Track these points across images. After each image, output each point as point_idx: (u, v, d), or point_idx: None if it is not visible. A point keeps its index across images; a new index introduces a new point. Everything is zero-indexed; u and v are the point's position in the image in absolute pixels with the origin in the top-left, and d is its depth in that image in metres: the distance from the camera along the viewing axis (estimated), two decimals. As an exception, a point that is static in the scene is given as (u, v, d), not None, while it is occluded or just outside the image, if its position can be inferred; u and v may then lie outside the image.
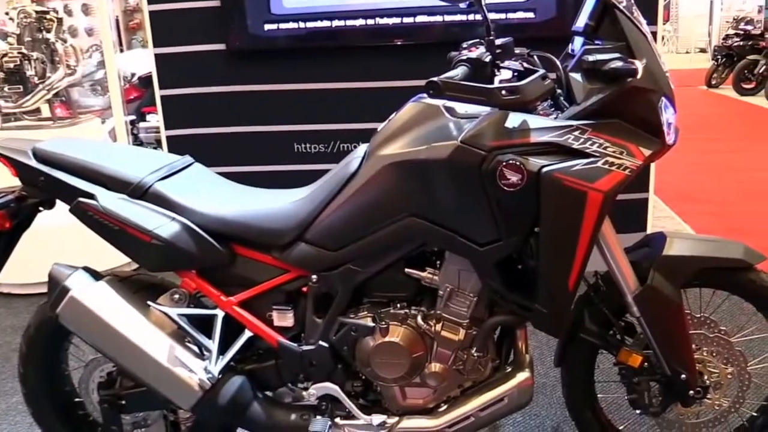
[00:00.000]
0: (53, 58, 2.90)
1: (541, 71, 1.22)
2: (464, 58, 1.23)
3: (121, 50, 5.42)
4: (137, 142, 4.37)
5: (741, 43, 8.76)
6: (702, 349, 1.48)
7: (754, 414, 1.57)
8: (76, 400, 1.64)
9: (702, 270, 1.40)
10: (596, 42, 1.29)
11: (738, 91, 8.56)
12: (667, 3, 15.31)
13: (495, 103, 1.16)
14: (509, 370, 1.42)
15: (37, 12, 2.92)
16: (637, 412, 1.50)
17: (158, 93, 2.72)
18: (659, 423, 1.55)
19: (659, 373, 1.44)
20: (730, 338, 1.49)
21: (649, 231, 2.76)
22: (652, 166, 2.71)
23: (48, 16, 2.91)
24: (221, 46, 2.65)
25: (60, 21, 2.98)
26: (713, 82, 9.26)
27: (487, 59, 1.23)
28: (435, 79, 1.15)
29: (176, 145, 2.75)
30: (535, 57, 1.43)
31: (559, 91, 1.37)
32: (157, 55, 2.67)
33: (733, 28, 9.39)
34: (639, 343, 1.47)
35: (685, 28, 15.48)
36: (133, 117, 4.31)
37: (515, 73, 1.31)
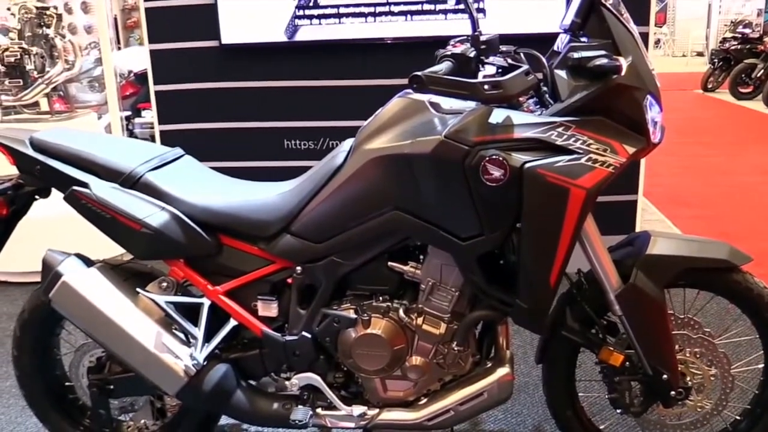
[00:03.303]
0: (52, 53, 2.89)
1: (525, 67, 1.17)
2: (449, 53, 1.18)
3: (119, 48, 5.39)
4: (132, 137, 4.35)
5: (738, 46, 8.40)
6: (685, 350, 1.41)
7: (738, 418, 1.50)
8: (67, 384, 1.60)
9: (686, 270, 1.34)
10: (582, 39, 1.23)
11: (734, 95, 8.24)
12: (663, 5, 14.81)
13: (477, 98, 1.11)
14: (489, 365, 1.37)
15: (37, 8, 2.91)
16: (618, 411, 1.44)
17: (153, 88, 2.68)
18: (640, 423, 1.48)
19: (641, 372, 1.38)
20: (714, 340, 1.42)
21: (638, 233, 2.68)
22: (642, 167, 2.63)
23: (48, 12, 2.90)
24: (215, 43, 2.60)
25: (60, 17, 2.97)
26: (709, 86, 8.92)
27: (472, 54, 1.18)
28: (419, 73, 1.10)
29: (169, 140, 2.71)
30: (522, 54, 1.37)
31: (544, 88, 1.31)
32: (152, 51, 2.64)
33: (730, 32, 8.96)
34: (621, 343, 1.41)
35: (682, 31, 14.89)
36: (129, 113, 4.28)
37: (499, 69, 1.25)
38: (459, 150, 1.19)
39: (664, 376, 1.36)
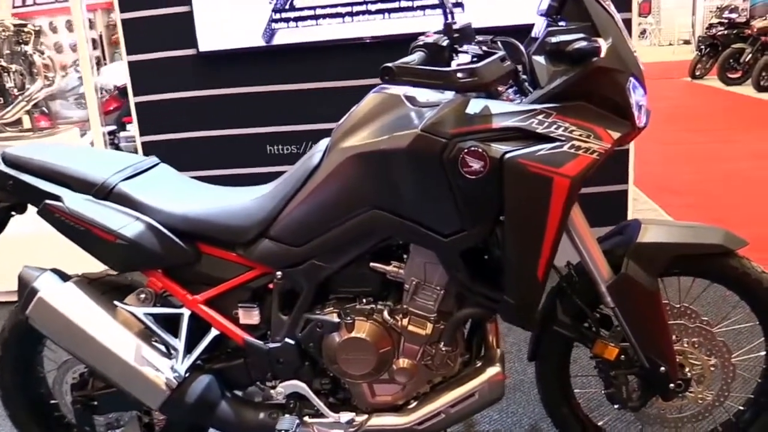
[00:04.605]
0: (31, 70, 2.83)
1: (501, 53, 1.10)
2: (421, 43, 1.11)
3: (105, 63, 5.33)
4: (118, 151, 4.27)
5: (725, 31, 8.22)
6: (683, 341, 1.34)
7: (741, 408, 1.42)
8: (52, 401, 1.53)
9: (679, 257, 1.26)
10: (561, 24, 1.16)
11: (723, 81, 8.07)
12: (648, -5, 14.66)
13: (452, 86, 1.04)
14: (479, 364, 1.30)
15: (15, 25, 2.85)
16: (616, 407, 1.36)
17: (132, 100, 2.62)
18: (640, 418, 1.41)
19: (637, 365, 1.30)
20: (713, 328, 1.34)
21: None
22: (631, 156, 2.56)
23: (25, 29, 2.84)
24: (192, 51, 2.54)
25: (38, 33, 2.92)
26: (697, 73, 8.72)
27: (445, 44, 1.11)
28: (389, 64, 1.03)
29: (152, 151, 2.64)
30: (499, 43, 1.30)
31: (524, 76, 1.24)
32: (130, 63, 2.58)
33: (716, 17, 8.75)
34: (616, 335, 1.33)
35: (668, 20, 14.60)
36: (114, 127, 4.21)
37: (474, 57, 1.18)
38: (436, 143, 1.12)
39: (662, 368, 1.28)
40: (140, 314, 1.32)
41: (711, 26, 8.74)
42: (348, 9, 2.44)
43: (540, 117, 1.11)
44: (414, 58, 1.08)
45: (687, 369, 1.33)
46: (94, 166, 1.37)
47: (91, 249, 1.31)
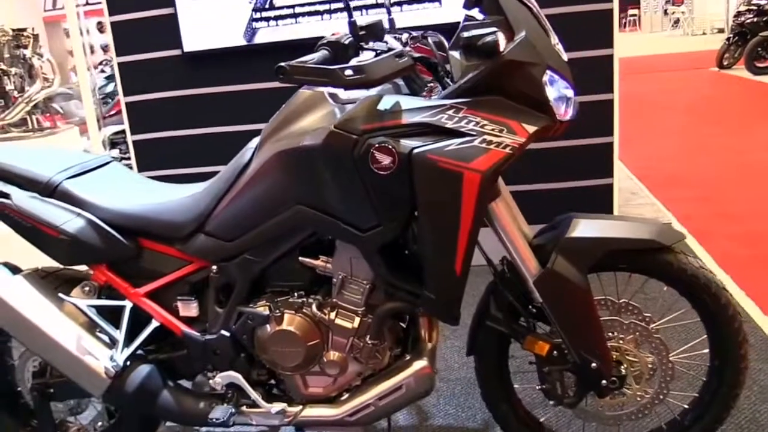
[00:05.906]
0: (31, 72, 2.96)
1: (398, 49, 1.10)
2: (325, 41, 1.12)
3: None
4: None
5: (754, 19, 7.88)
6: (618, 337, 1.31)
7: (687, 407, 1.38)
8: (19, 389, 1.62)
9: (612, 252, 1.24)
10: (481, 17, 1.15)
11: (751, 70, 7.71)
12: (680, -15, 14.20)
13: (338, 84, 1.05)
14: (408, 358, 1.31)
15: (14, 30, 2.98)
16: (551, 403, 1.35)
17: (123, 100, 2.71)
18: (578, 414, 1.40)
19: (570, 362, 1.29)
20: (652, 325, 1.31)
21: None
22: (615, 149, 2.48)
23: (25, 34, 2.97)
24: (177, 52, 2.61)
25: (36, 37, 3.04)
26: (725, 63, 8.37)
27: (347, 42, 1.12)
28: (283, 63, 1.06)
29: (143, 150, 2.72)
30: (429, 39, 1.30)
31: (450, 70, 1.23)
32: (120, 64, 2.67)
33: (744, 4, 8.39)
34: (556, 332, 1.31)
35: (701, 8, 14.19)
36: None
37: (378, 54, 1.18)
38: (347, 139, 1.13)
39: (593, 364, 1.27)
40: (83, 306, 1.38)
41: (739, 14, 8.34)
42: (326, 6, 2.46)
43: (450, 112, 1.11)
44: (315, 56, 1.10)
45: (623, 366, 1.31)
46: (42, 165, 1.44)
47: (38, 244, 1.38)
